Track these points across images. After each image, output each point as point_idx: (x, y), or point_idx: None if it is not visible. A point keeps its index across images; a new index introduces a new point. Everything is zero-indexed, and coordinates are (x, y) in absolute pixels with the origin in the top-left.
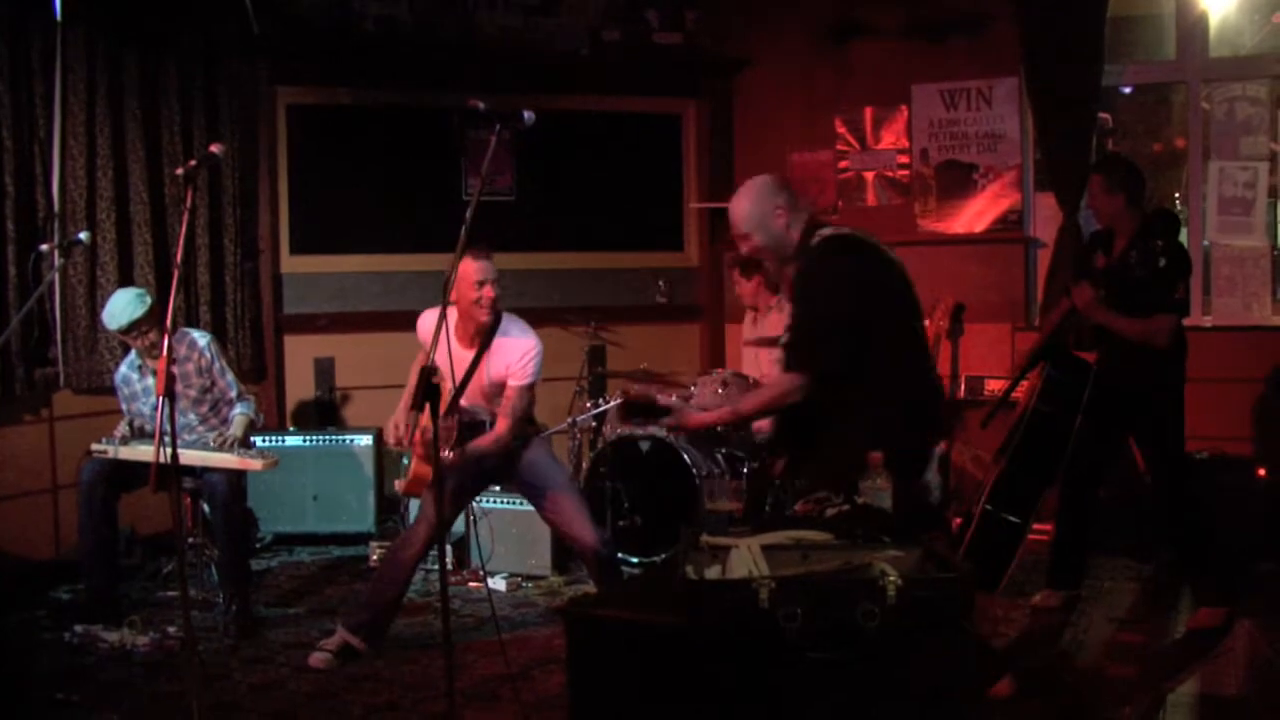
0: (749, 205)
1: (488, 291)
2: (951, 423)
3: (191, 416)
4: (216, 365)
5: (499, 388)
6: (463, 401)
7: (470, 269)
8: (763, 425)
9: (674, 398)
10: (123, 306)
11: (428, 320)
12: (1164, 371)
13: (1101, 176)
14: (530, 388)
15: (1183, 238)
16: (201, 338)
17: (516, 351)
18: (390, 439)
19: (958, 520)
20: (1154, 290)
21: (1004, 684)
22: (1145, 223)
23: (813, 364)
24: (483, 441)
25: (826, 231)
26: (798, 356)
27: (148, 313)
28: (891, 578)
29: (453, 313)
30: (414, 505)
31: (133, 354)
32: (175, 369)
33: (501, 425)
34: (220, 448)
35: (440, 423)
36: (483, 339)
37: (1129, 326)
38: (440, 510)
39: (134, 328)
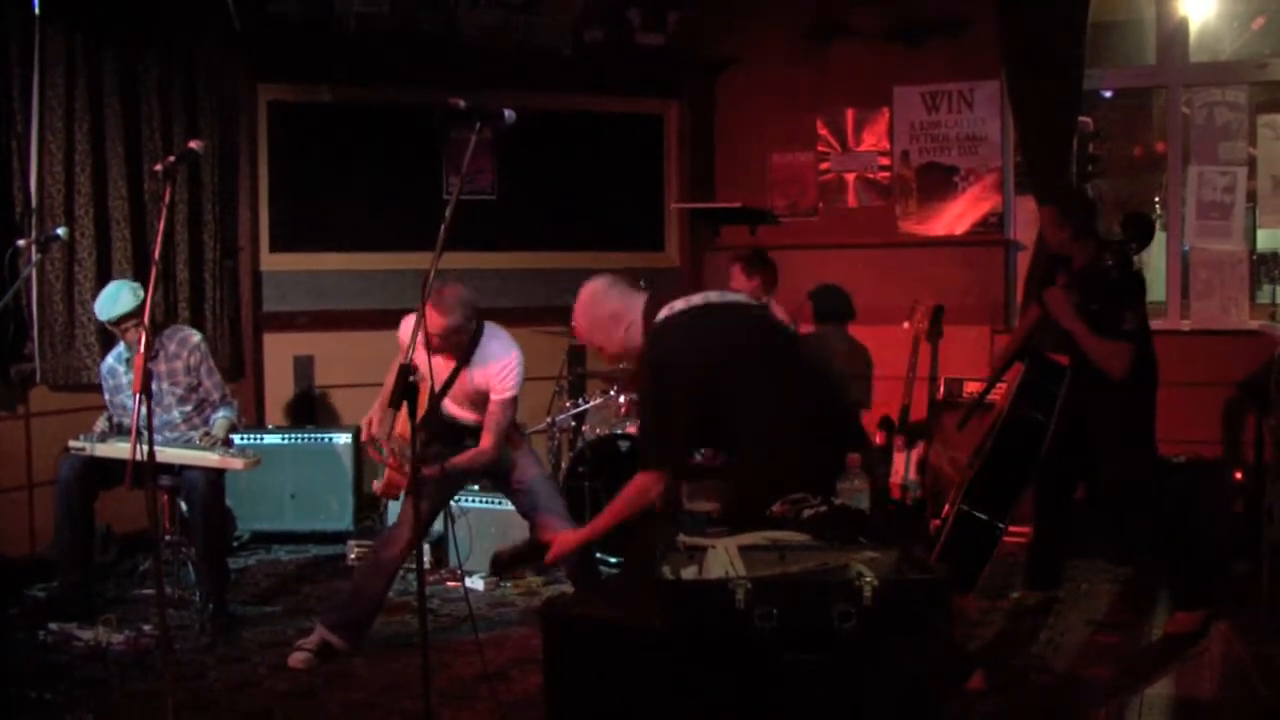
0: (586, 322)
1: (456, 340)
2: (929, 425)
3: (175, 414)
4: (205, 365)
5: (483, 396)
6: (448, 406)
7: (431, 323)
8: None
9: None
10: (115, 298)
11: (409, 325)
12: (1131, 377)
13: (1051, 209)
14: (513, 401)
15: (1161, 242)
16: (194, 335)
17: (497, 365)
18: (364, 436)
19: (935, 522)
20: (1108, 310)
21: (976, 679)
22: (1101, 242)
23: (653, 462)
24: (464, 458)
25: (664, 312)
26: (641, 456)
27: (139, 306)
28: (868, 579)
29: None
30: (393, 504)
31: (121, 346)
32: (163, 365)
33: (485, 441)
34: (204, 447)
35: (424, 469)
36: (464, 351)
37: (1090, 342)
38: (419, 515)
39: (123, 320)
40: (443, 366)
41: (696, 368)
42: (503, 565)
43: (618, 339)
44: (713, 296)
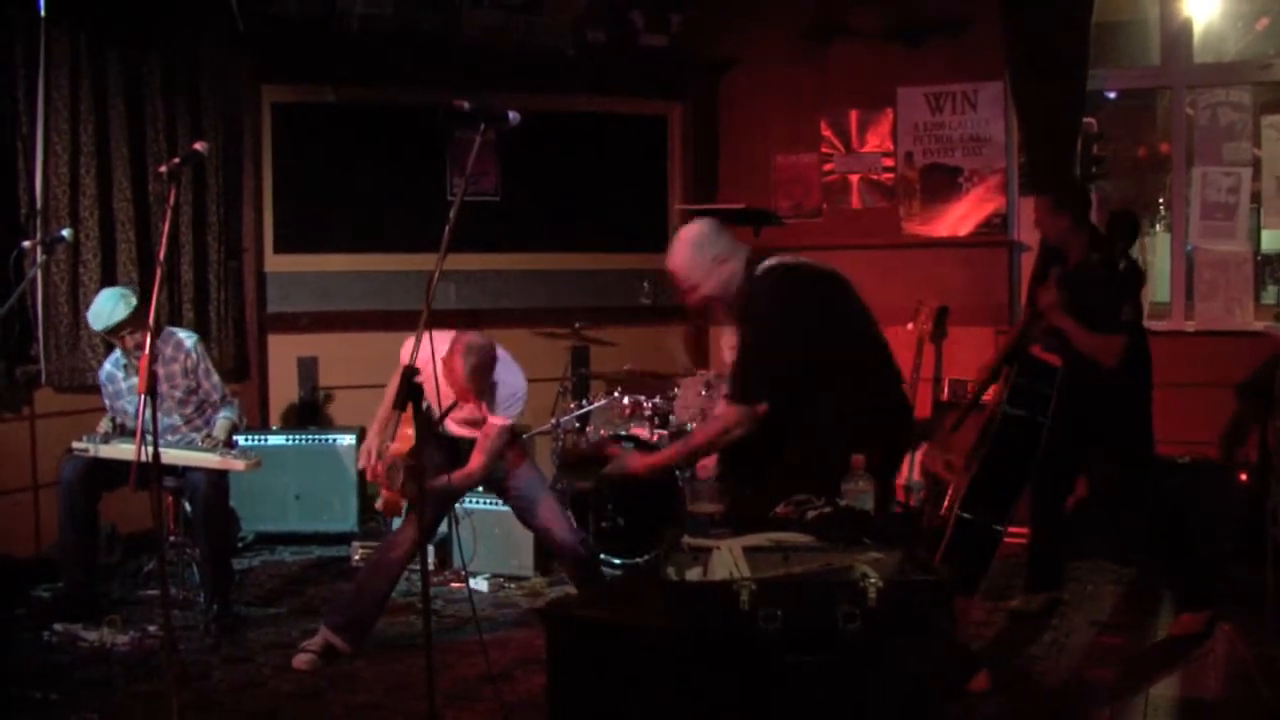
0: (686, 261)
1: (477, 382)
2: (933, 426)
3: (176, 417)
4: (202, 367)
5: (484, 417)
6: (449, 423)
7: (455, 364)
8: (707, 464)
9: (619, 447)
10: (107, 307)
11: (408, 349)
12: (1124, 376)
13: (1048, 198)
14: (509, 429)
15: (1166, 243)
16: (188, 338)
17: (503, 392)
18: (360, 463)
19: (935, 524)
20: (1106, 302)
21: (981, 679)
22: (1096, 234)
23: (745, 395)
24: (453, 478)
25: (769, 262)
26: (735, 388)
27: (132, 314)
28: (872, 579)
29: (440, 339)
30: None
31: (117, 352)
32: (160, 369)
33: (475, 461)
34: (205, 448)
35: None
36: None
37: (1083, 338)
38: (423, 520)
39: (118, 329)
40: (447, 391)
41: (800, 311)
42: (569, 466)
43: (716, 282)
44: (802, 258)
